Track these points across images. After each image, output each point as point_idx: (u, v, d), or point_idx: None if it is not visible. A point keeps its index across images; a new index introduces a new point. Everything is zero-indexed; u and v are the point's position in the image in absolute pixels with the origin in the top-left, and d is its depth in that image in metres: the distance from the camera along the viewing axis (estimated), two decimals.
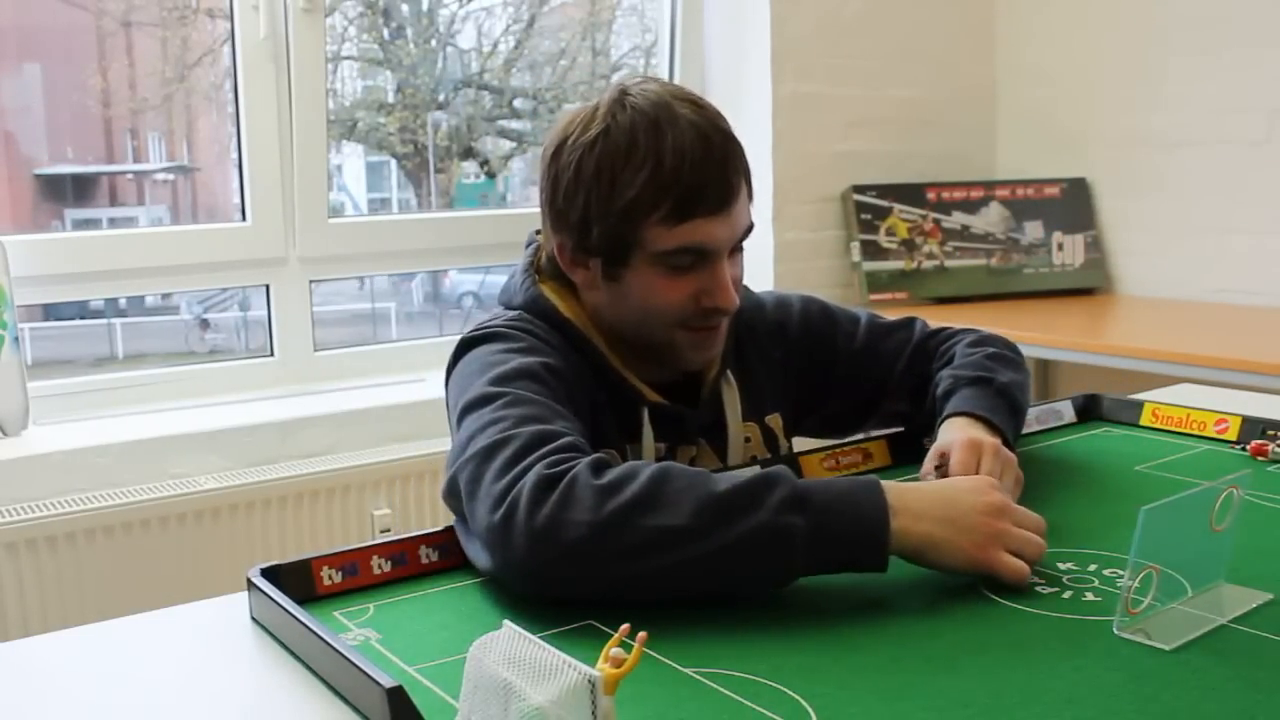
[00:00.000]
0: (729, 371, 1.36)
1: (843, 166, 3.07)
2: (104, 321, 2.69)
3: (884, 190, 3.09)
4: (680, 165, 1.18)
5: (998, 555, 1.00)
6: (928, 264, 3.08)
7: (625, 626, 0.71)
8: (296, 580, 1.01)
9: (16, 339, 2.07)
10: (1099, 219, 3.19)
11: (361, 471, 2.22)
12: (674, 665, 0.87)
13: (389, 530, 2.23)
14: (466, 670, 0.70)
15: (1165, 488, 1.29)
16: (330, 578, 1.04)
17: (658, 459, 1.27)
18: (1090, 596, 0.99)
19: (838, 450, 1.38)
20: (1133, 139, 3.09)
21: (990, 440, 1.20)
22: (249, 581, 1.00)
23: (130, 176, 2.67)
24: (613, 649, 0.66)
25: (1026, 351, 1.46)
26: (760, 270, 2.93)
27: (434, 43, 2.93)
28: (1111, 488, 1.31)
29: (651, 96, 1.21)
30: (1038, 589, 1.00)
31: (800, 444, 1.43)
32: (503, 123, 3.10)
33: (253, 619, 1.00)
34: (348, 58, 2.86)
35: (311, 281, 2.50)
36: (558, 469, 0.98)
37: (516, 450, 1.02)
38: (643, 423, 1.28)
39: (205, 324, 2.83)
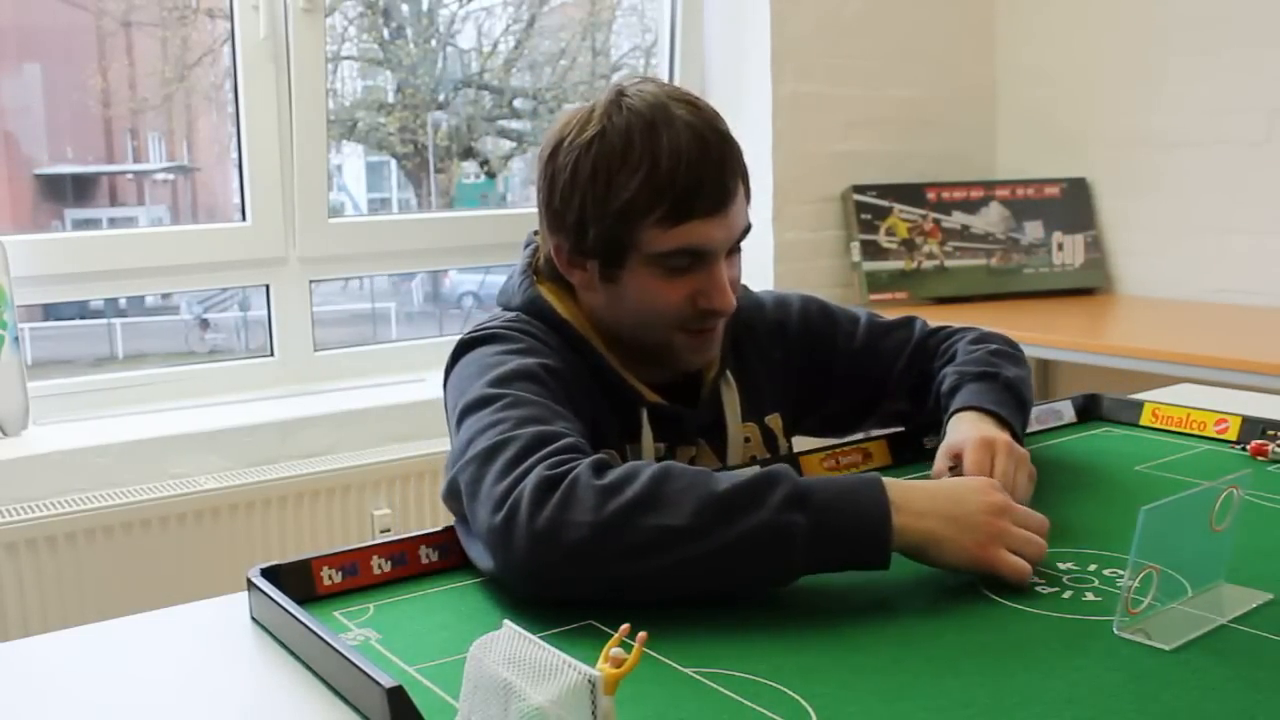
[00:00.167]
0: (728, 371, 1.35)
1: (843, 166, 3.07)
2: (104, 321, 2.69)
3: (884, 190, 3.09)
4: (676, 167, 1.17)
5: (999, 554, 1.00)
6: (928, 264, 3.08)
7: (625, 626, 0.71)
8: (296, 580, 1.01)
9: (16, 339, 2.07)
10: (1099, 219, 3.19)
11: (361, 471, 2.22)
12: (674, 665, 0.87)
13: (389, 530, 2.23)
14: (466, 670, 0.70)
15: (1165, 488, 1.28)
16: (330, 578, 1.04)
17: (657, 459, 1.27)
18: (1090, 596, 0.99)
19: (838, 450, 1.38)
20: (1133, 139, 3.09)
21: (1003, 437, 1.20)
22: (249, 581, 1.00)
23: (130, 176, 2.67)
24: (613, 649, 0.66)
25: (1027, 351, 1.46)
26: (760, 270, 2.93)
27: (434, 43, 2.93)
28: (1111, 488, 1.31)
29: (648, 98, 1.21)
30: (1038, 589, 1.00)
31: (800, 444, 1.43)
32: (503, 123, 3.10)
33: (253, 619, 1.00)
34: (348, 58, 2.86)
35: (311, 281, 2.50)
36: (558, 470, 0.98)
37: (517, 452, 1.02)
38: (642, 423, 1.27)
39: (205, 324, 2.83)
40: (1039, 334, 2.56)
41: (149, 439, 2.11)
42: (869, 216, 3.06)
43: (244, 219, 2.43)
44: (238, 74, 2.36)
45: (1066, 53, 3.21)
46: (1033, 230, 3.17)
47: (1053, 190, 3.20)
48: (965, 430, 1.22)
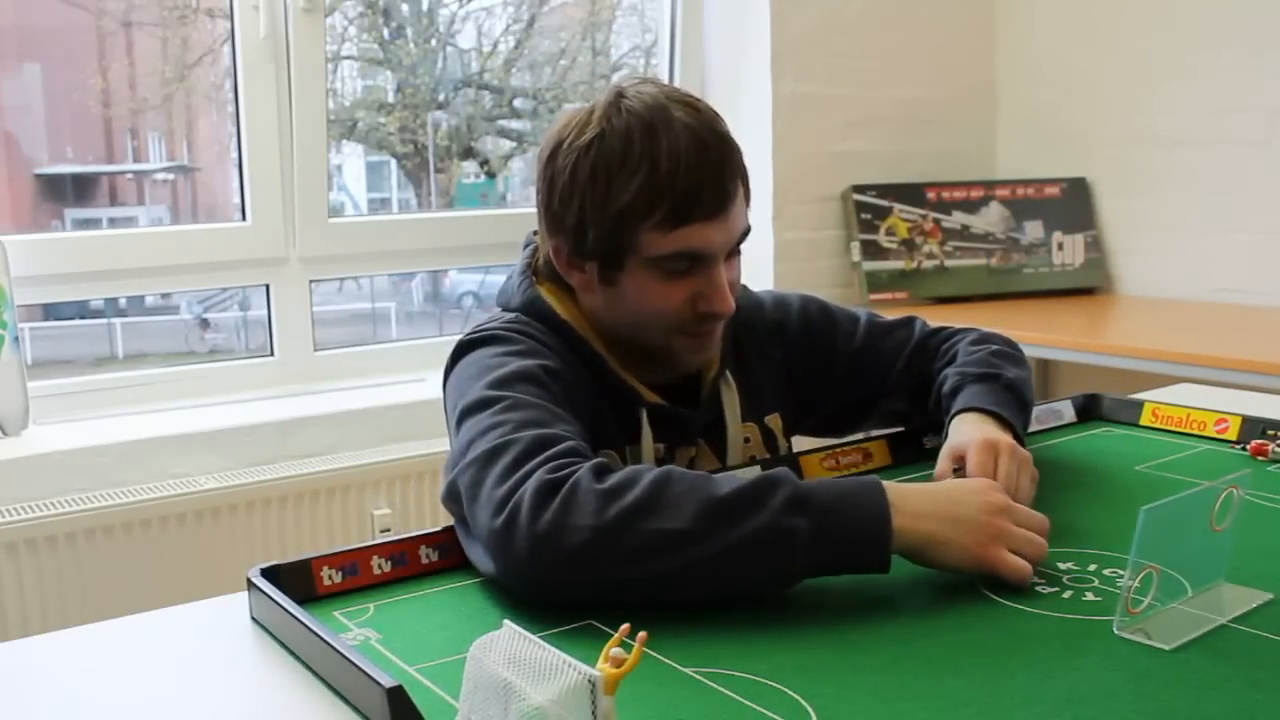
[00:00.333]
0: (728, 372, 1.35)
1: (842, 166, 3.07)
2: (104, 321, 2.69)
3: (884, 190, 3.09)
4: (675, 170, 1.17)
5: (1000, 554, 1.00)
6: (928, 264, 3.08)
7: (625, 626, 0.71)
8: (296, 580, 1.01)
9: (16, 339, 2.07)
10: (1099, 219, 3.19)
11: (361, 471, 2.22)
12: (674, 665, 0.87)
13: (389, 530, 2.23)
14: (466, 670, 0.70)
15: (1165, 488, 1.29)
16: (330, 578, 1.04)
17: (657, 460, 1.27)
18: (1090, 596, 0.99)
19: (838, 450, 1.38)
20: (1133, 139, 3.09)
21: (1005, 439, 1.20)
22: (249, 581, 1.00)
23: (130, 176, 2.67)
24: (613, 649, 0.66)
25: (1027, 351, 1.46)
26: (760, 270, 2.93)
27: (434, 43, 2.93)
28: (1111, 488, 1.31)
29: (647, 99, 1.20)
30: (1038, 589, 1.00)
31: (800, 444, 1.43)
32: (503, 123, 3.10)
33: (253, 619, 1.00)
34: (348, 58, 2.86)
35: (311, 281, 2.50)
36: (559, 474, 0.98)
37: (517, 455, 1.02)
38: (642, 424, 1.27)
39: (205, 324, 2.83)
40: (1039, 334, 2.56)
41: (149, 439, 2.11)
42: (869, 216, 3.06)
43: (244, 219, 2.43)
44: (238, 74, 2.37)
45: (1066, 53, 3.21)
46: (1033, 230, 3.17)
47: (1053, 190, 3.20)
48: (968, 432, 1.22)
